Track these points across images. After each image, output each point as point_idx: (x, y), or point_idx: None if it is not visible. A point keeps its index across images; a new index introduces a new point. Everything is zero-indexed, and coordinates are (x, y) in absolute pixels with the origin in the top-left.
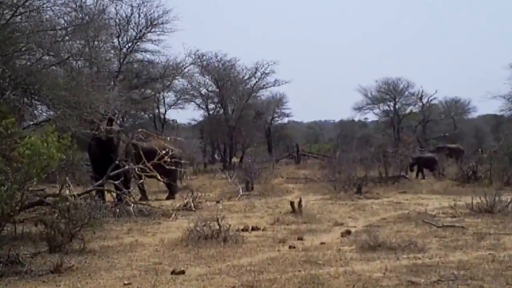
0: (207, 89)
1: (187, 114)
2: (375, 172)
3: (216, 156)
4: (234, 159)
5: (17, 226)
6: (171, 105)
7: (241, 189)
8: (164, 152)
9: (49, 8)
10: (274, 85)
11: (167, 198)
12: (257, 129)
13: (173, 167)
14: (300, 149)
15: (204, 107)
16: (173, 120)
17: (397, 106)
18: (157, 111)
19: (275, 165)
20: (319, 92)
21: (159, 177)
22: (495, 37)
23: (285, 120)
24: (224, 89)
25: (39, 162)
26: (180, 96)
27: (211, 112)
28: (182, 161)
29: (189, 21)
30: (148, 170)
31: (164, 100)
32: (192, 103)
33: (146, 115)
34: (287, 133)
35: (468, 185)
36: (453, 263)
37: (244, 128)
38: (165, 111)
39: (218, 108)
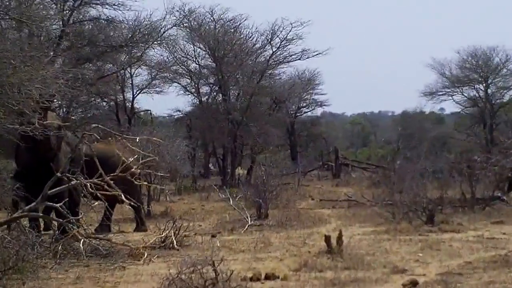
0: (198, 63)
1: (168, 102)
2: (456, 192)
3: (211, 166)
4: (239, 171)
5: None
6: (143, 88)
7: (249, 217)
8: (111, 159)
9: None
10: (301, 58)
11: (136, 230)
12: (275, 126)
13: (138, 182)
14: (341, 156)
15: (193, 91)
16: (145, 111)
17: (490, 91)
18: (121, 96)
19: (302, 180)
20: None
21: (125, 198)
22: None
23: (318, 111)
24: (224, 64)
25: None
26: (157, 74)
27: (204, 99)
28: (160, 174)
29: None
30: (107, 187)
31: (132, 81)
32: (176, 85)
33: (105, 103)
34: (320, 131)
35: None
36: None
37: (254, 124)
38: (134, 96)
39: (215, 93)
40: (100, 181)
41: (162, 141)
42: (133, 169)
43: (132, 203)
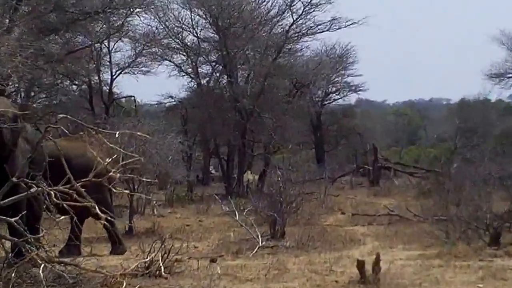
0: (196, 35)
1: (157, 86)
2: None
3: (212, 169)
4: (249, 176)
5: None
6: (125, 67)
7: (260, 236)
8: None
9: None
10: (330, 29)
11: (113, 253)
12: (295, 117)
13: (117, 191)
14: (380, 157)
15: (190, 71)
16: (128, 97)
17: None
18: (96, 78)
19: (330, 188)
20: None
21: (99, 211)
22: None
23: (352, 98)
24: (230, 36)
25: None
26: (143, 49)
27: (204, 82)
28: (147, 180)
29: None
30: (76, 197)
31: (110, 57)
32: (167, 63)
33: (75, 87)
34: (354, 124)
35: None
36: None
37: (269, 115)
38: (113, 78)
39: (218, 74)
40: (69, 189)
41: (149, 136)
42: (111, 173)
43: (107, 218)
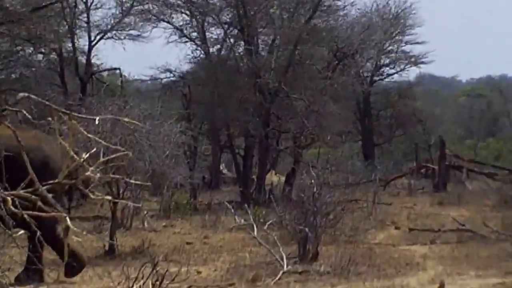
0: None
1: (151, 56)
2: None
3: (223, 168)
4: (273, 178)
5: None
6: (107, 31)
7: (284, 258)
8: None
9: None
10: None
11: (69, 274)
12: (336, 98)
13: (96, 197)
14: (449, 152)
15: (195, 36)
16: (112, 71)
17: None
18: (69, 45)
19: (382, 194)
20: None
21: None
22: None
23: (411, 73)
24: None
25: None
26: (132, 6)
27: (213, 50)
28: (136, 182)
29: None
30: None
31: (88, 17)
32: (165, 25)
33: (41, 56)
34: (414, 109)
35: None
36: None
37: (301, 94)
38: (91, 45)
39: (233, 41)
40: (31, 194)
41: (139, 123)
42: (87, 173)
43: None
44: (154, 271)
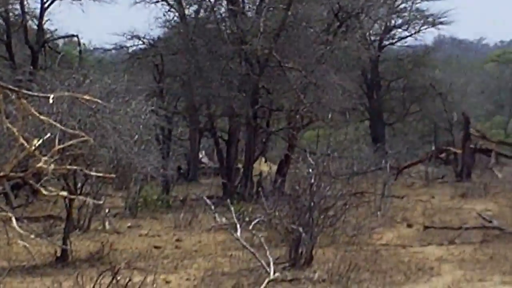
0: None
1: (115, 20)
2: None
3: (202, 156)
4: (262, 167)
5: None
6: None
7: (271, 263)
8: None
9: None
10: None
11: None
12: (338, 67)
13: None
14: (475, 132)
15: None
16: (68, 38)
17: None
18: (17, 7)
19: (393, 184)
20: None
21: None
22: None
23: (428, 37)
24: None
25: None
26: None
27: (189, 12)
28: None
29: None
30: None
31: None
32: None
33: None
34: (432, 79)
35: None
36: None
37: (295, 64)
38: (44, 8)
39: (212, 1)
40: None
41: (101, 102)
42: (39, 164)
43: None
44: (114, 280)
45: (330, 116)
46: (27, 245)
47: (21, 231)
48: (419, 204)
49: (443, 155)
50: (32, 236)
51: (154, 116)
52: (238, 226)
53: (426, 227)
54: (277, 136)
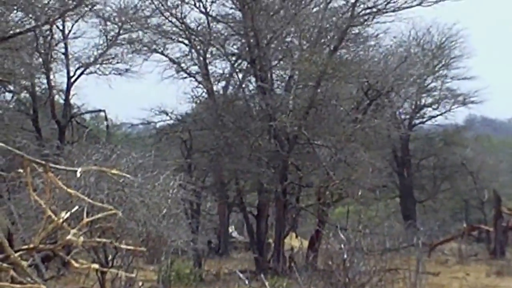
0: (204, 11)
1: (143, 96)
2: None
3: (233, 230)
4: (293, 242)
5: None
6: (90, 64)
7: None
8: None
9: None
10: (422, 3)
11: None
12: (368, 145)
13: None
14: (507, 211)
15: (195, 71)
16: (95, 113)
17: None
18: (44, 82)
19: (426, 261)
20: None
21: None
22: None
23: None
24: (260, 11)
25: None
26: (118, 34)
27: (218, 88)
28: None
29: None
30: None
31: (66, 48)
32: (158, 57)
33: (10, 95)
34: (463, 158)
35: None
36: None
37: (325, 141)
38: (71, 82)
39: (242, 76)
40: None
41: (129, 176)
42: (68, 237)
43: None
44: None
45: (360, 193)
46: None
47: None
48: (454, 281)
49: (475, 232)
50: None
51: (182, 191)
52: None
53: None
54: (307, 212)
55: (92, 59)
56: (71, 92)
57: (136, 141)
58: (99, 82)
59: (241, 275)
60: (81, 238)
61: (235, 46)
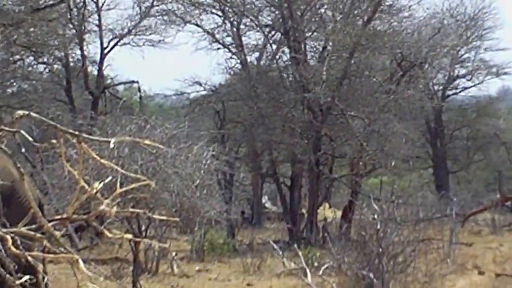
0: None
1: (176, 66)
2: None
3: (266, 200)
4: (326, 212)
5: None
6: (123, 36)
7: None
8: None
9: None
10: None
11: None
12: (401, 116)
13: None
14: None
15: (229, 41)
16: (129, 84)
17: None
18: (78, 53)
19: (460, 231)
20: None
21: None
22: None
23: (492, 87)
24: None
25: None
26: (152, 5)
27: (252, 59)
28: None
29: None
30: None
31: (100, 19)
32: (192, 28)
33: (43, 67)
34: (497, 129)
35: None
36: None
37: (358, 113)
38: (104, 53)
39: (275, 47)
40: (35, 231)
41: (163, 146)
42: (102, 207)
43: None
44: None
45: (393, 163)
46: (97, 287)
47: (90, 274)
48: (488, 252)
49: (509, 203)
50: (102, 278)
51: (216, 161)
52: (307, 271)
53: (497, 275)
54: (340, 182)
55: (125, 30)
56: (105, 63)
57: (169, 112)
58: (132, 53)
59: (274, 245)
60: (115, 209)
61: (268, 17)
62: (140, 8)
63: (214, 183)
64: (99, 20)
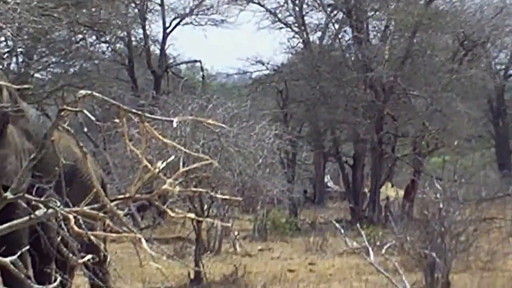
0: None
1: (238, 46)
2: None
3: (328, 180)
4: (389, 191)
5: None
6: (185, 15)
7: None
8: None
9: None
10: None
11: None
12: (464, 95)
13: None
14: None
15: (291, 21)
16: (191, 63)
17: None
18: (140, 32)
19: None
20: None
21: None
22: None
23: None
24: None
25: None
26: None
27: (314, 38)
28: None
29: None
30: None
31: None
32: (254, 7)
33: (105, 46)
34: None
35: None
36: None
37: (421, 92)
38: (166, 32)
39: (337, 27)
40: (98, 211)
41: (225, 126)
42: (164, 186)
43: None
44: None
45: (456, 143)
46: (160, 266)
47: (153, 253)
48: None
49: None
50: (164, 257)
51: (278, 140)
52: (370, 250)
53: None
54: (402, 161)
55: (188, 10)
56: (167, 43)
57: (231, 91)
58: (194, 33)
59: (337, 224)
60: (177, 188)
61: None
62: None
63: (277, 162)
64: (162, 0)
